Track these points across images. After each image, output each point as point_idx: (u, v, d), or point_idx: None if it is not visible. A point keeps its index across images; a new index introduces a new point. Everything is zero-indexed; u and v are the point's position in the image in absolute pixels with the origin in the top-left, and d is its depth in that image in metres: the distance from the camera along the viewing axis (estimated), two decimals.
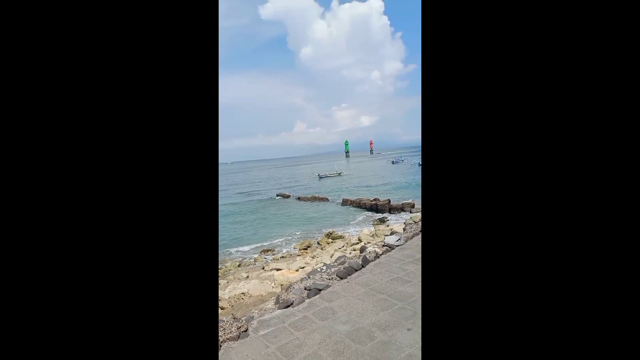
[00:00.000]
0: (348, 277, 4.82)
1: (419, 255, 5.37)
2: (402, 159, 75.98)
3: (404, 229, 8.26)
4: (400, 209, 20.18)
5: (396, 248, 5.88)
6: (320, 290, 4.44)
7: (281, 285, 6.78)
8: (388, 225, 14.59)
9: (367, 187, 33.16)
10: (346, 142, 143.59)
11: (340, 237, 13.90)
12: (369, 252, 5.74)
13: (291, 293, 4.51)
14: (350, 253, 8.35)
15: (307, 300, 4.19)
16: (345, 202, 24.08)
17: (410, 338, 3.13)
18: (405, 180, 36.03)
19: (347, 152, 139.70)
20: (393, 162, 69.17)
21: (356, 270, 5.02)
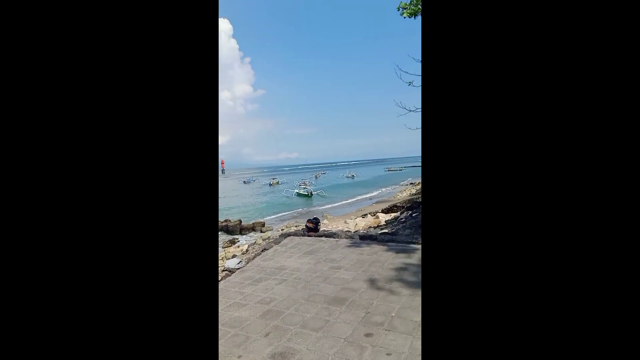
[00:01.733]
0: None
1: (259, 276, 5.36)
2: (254, 178, 77.18)
3: (247, 250, 8.18)
4: (252, 228, 20.20)
5: (237, 271, 5.73)
6: None
7: None
8: (239, 247, 14.26)
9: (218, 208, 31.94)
10: None
11: None
12: None
13: None
14: None
15: None
16: None
17: None
18: (257, 200, 36.49)
19: None
20: (245, 182, 69.40)
21: None
